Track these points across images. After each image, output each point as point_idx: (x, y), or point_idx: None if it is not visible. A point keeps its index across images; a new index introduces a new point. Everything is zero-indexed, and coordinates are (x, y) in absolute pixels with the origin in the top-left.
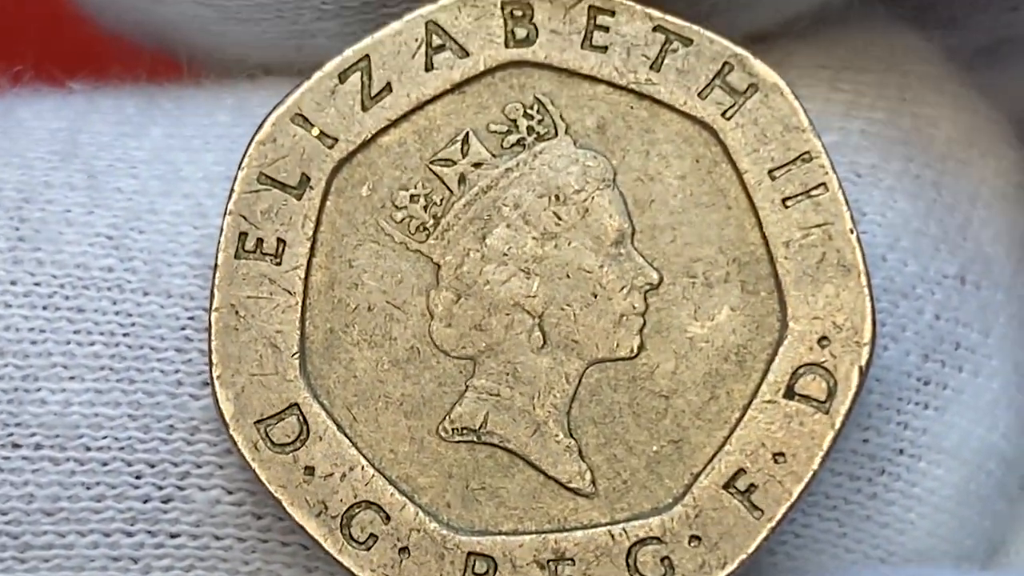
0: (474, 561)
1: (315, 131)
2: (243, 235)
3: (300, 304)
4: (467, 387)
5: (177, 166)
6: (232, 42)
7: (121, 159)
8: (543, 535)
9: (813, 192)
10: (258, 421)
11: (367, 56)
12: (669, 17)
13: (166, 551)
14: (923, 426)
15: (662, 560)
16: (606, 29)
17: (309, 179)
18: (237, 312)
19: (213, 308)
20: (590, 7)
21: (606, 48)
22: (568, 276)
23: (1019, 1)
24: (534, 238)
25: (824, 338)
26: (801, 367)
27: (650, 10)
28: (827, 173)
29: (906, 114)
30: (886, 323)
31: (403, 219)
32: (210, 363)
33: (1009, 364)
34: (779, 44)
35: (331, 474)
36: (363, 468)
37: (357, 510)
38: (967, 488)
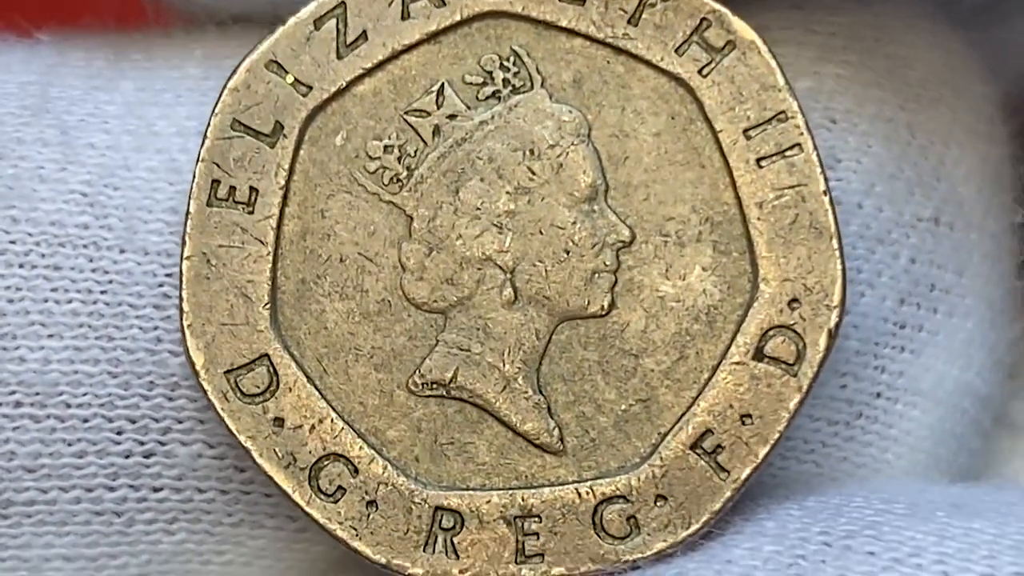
0: (441, 516)
1: (289, 78)
2: (215, 183)
3: (272, 254)
4: (437, 341)
5: (149, 121)
6: None
7: (93, 114)
8: (510, 491)
9: (788, 152)
10: (228, 371)
11: (343, 3)
12: None
13: (149, 504)
14: (900, 369)
15: (628, 519)
16: None
17: (283, 127)
18: (209, 261)
19: (184, 256)
20: None
21: (584, 1)
22: (541, 232)
23: None
24: (507, 192)
25: (795, 300)
26: (771, 329)
27: None
28: (802, 134)
29: (879, 55)
30: (863, 270)
31: (376, 170)
32: (181, 312)
33: (983, 303)
34: None
35: (300, 426)
36: (332, 420)
37: (326, 462)
38: (943, 428)
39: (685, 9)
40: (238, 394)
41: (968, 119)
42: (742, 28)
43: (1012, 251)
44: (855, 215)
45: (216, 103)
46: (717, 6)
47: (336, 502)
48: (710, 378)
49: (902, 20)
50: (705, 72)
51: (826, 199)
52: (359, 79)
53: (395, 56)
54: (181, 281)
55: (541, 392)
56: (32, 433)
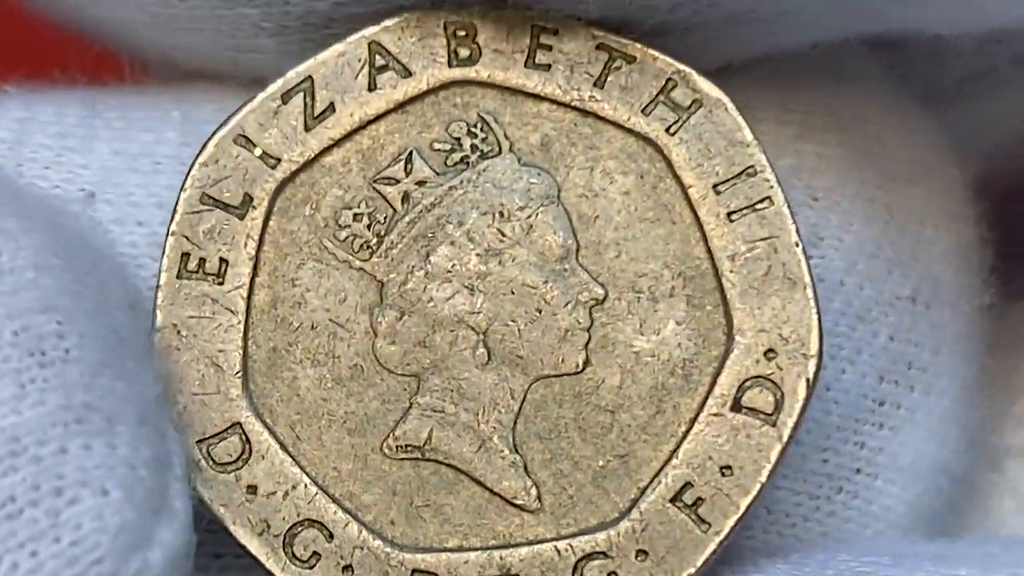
0: None
1: (258, 151)
2: (185, 255)
3: (242, 323)
4: (411, 404)
5: (128, 190)
6: (168, 47)
7: (69, 180)
8: (488, 551)
9: (758, 206)
10: (200, 440)
11: (310, 77)
12: (612, 35)
13: None
14: (879, 445)
15: (609, 574)
16: (549, 48)
17: (252, 199)
18: (180, 332)
19: (155, 328)
20: (533, 26)
21: (549, 66)
22: (512, 292)
23: (1004, 34)
24: (478, 255)
25: (771, 351)
26: (748, 380)
27: (593, 29)
28: (772, 187)
29: (858, 135)
30: (844, 347)
31: (347, 238)
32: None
33: (957, 381)
34: (731, 67)
35: (273, 492)
36: (306, 486)
37: (300, 528)
38: (920, 504)
39: (650, 70)
40: (211, 462)
41: (942, 200)
42: (708, 87)
43: (983, 331)
44: (837, 292)
45: (185, 178)
46: (682, 66)
47: (312, 568)
48: (688, 431)
49: (875, 103)
50: (672, 130)
51: (798, 249)
52: (327, 150)
53: (363, 126)
54: (154, 353)
55: (517, 451)
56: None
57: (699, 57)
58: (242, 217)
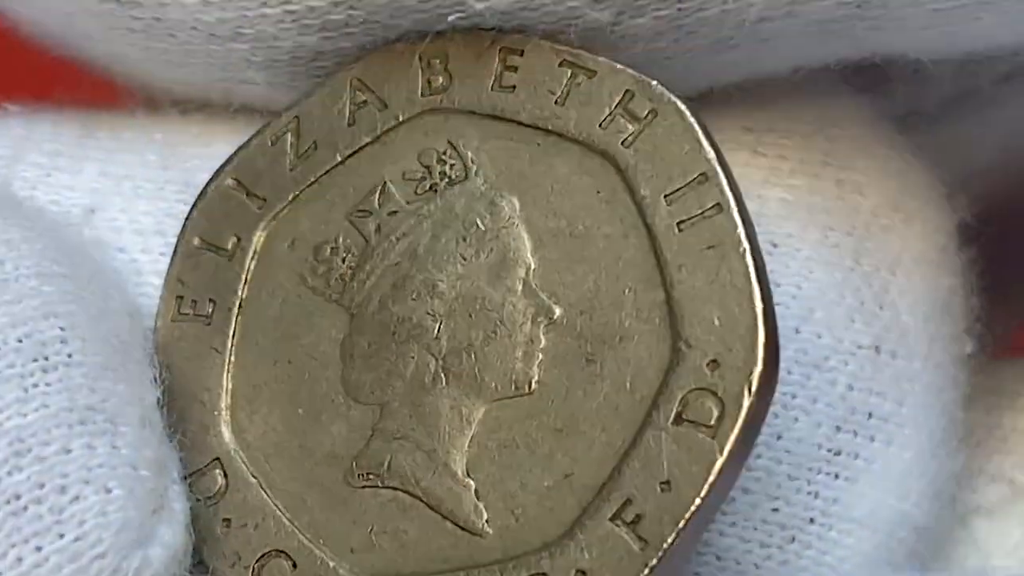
0: None
1: (247, 195)
2: (179, 298)
3: (226, 361)
4: (373, 432)
5: (111, 215)
6: (161, 78)
7: (55, 201)
8: None
9: (708, 213)
10: (185, 476)
11: (297, 117)
12: (574, 51)
13: None
14: (834, 495)
15: None
16: (515, 69)
17: (240, 240)
18: (172, 372)
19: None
20: (501, 48)
21: (515, 87)
22: (471, 314)
23: (984, 56)
24: (442, 280)
25: (714, 361)
26: (691, 392)
27: (559, 46)
28: (722, 193)
29: (829, 179)
30: (797, 395)
31: (323, 272)
32: None
33: (924, 433)
34: (707, 104)
35: (245, 524)
36: (275, 517)
37: (267, 559)
38: (878, 556)
39: (609, 83)
40: (193, 499)
41: (919, 247)
42: (665, 94)
43: (958, 382)
44: (792, 340)
45: (184, 223)
46: (642, 76)
47: None
48: (631, 446)
49: (857, 144)
50: (627, 143)
51: (747, 256)
52: (309, 187)
53: (343, 162)
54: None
55: (469, 475)
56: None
57: (680, 83)
58: (231, 258)
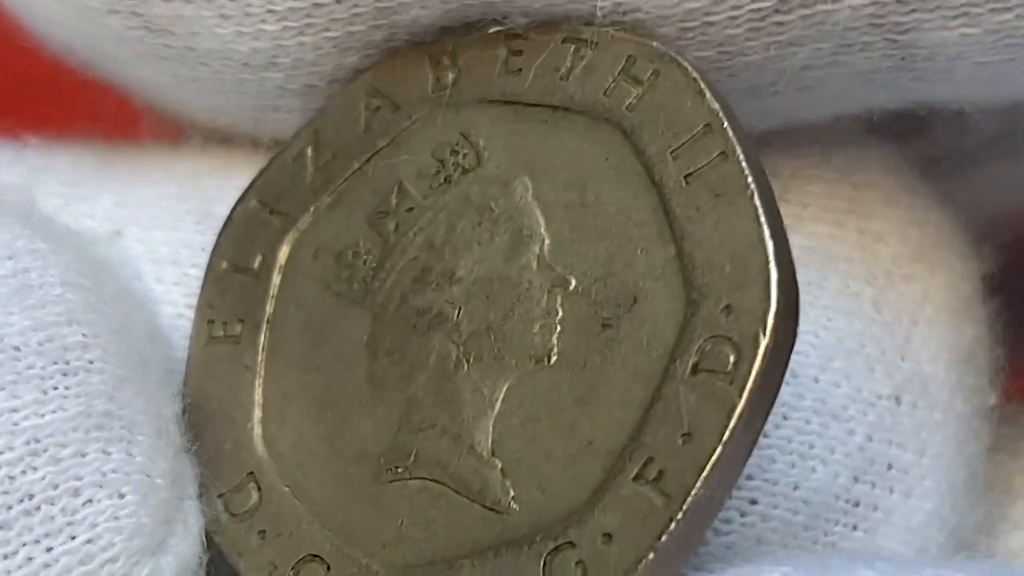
0: None
1: (272, 212)
2: (211, 322)
3: (256, 376)
4: (400, 426)
5: (127, 244)
6: (190, 106)
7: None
8: (472, 559)
9: (714, 162)
10: (220, 495)
11: (315, 131)
12: (578, 26)
13: None
14: (852, 546)
15: (576, 563)
16: (520, 52)
17: (265, 258)
18: (205, 394)
19: (185, 391)
20: (506, 35)
21: (520, 70)
22: (488, 296)
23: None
24: (460, 267)
25: (728, 307)
26: (707, 340)
27: (562, 24)
28: (727, 141)
29: (851, 228)
30: (815, 445)
31: (346, 277)
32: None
33: (944, 484)
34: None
35: (280, 534)
36: (308, 523)
37: (302, 564)
38: None
39: (611, 52)
40: (228, 515)
41: (941, 297)
42: (666, 53)
43: (981, 434)
44: (810, 389)
45: (213, 250)
46: (643, 40)
47: None
48: (651, 404)
49: (881, 192)
50: (631, 107)
51: (755, 200)
52: (331, 197)
53: (360, 168)
54: (185, 413)
55: (495, 454)
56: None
57: None
58: (257, 277)
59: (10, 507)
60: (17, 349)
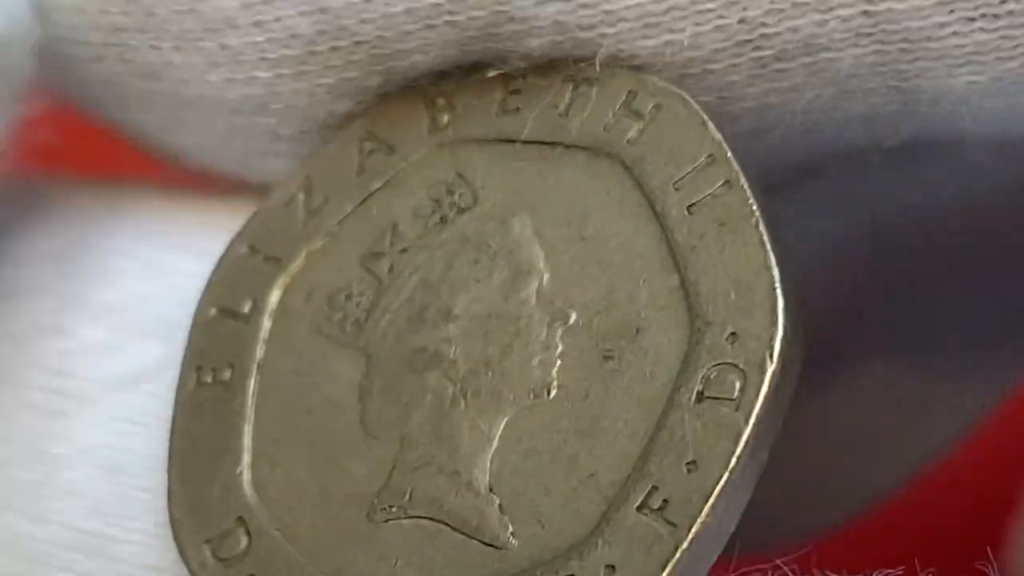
0: None
1: (263, 258)
2: (199, 369)
3: (246, 422)
4: (394, 465)
5: None
6: (176, 150)
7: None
8: None
9: (717, 191)
10: (207, 540)
11: (308, 176)
12: (577, 64)
13: None
14: None
15: None
16: (518, 92)
17: (256, 302)
18: (192, 437)
19: (171, 433)
20: (503, 75)
21: (519, 109)
22: (486, 333)
23: None
24: (457, 304)
25: (733, 334)
26: (712, 368)
27: (561, 64)
28: (732, 170)
29: None
30: None
31: (338, 320)
32: (169, 490)
33: None
34: None
35: None
36: (300, 567)
37: None
38: None
39: (611, 88)
40: (215, 560)
41: None
42: (666, 87)
43: None
44: None
45: (202, 296)
46: (643, 75)
47: None
48: (655, 434)
49: None
50: (632, 140)
51: (760, 227)
52: (321, 240)
53: (354, 211)
54: (170, 457)
55: (492, 490)
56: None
57: None
58: (248, 322)
59: None
60: None
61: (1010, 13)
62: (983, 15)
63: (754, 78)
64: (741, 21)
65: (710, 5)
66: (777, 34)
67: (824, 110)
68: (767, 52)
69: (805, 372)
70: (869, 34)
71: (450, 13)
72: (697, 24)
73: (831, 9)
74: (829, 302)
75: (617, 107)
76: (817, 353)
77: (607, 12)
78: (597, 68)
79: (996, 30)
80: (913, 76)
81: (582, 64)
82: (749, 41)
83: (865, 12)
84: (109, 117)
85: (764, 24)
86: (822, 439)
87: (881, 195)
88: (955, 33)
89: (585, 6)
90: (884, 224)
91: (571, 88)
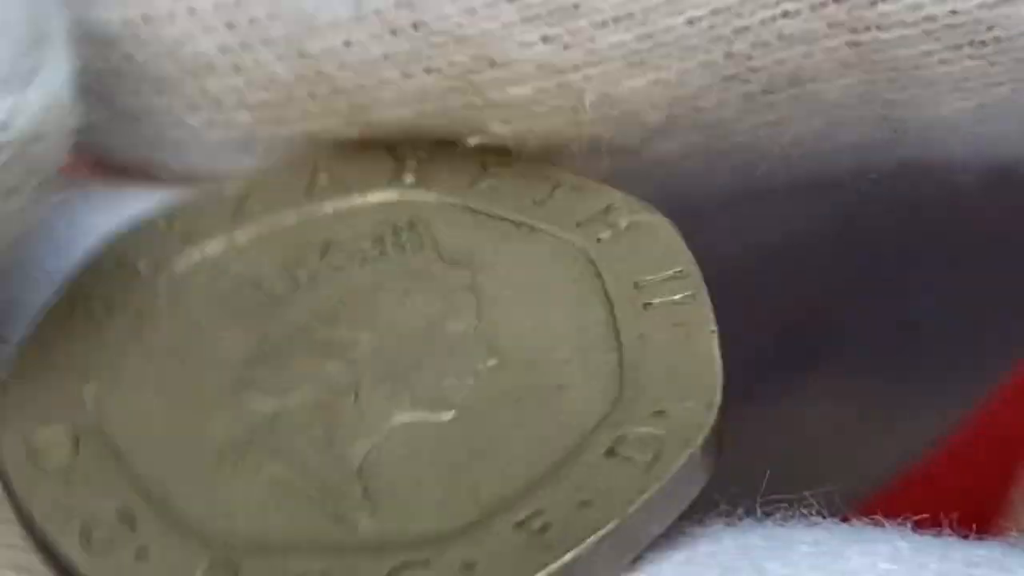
0: None
1: (179, 234)
2: (72, 297)
3: (108, 350)
4: (262, 423)
5: None
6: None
7: None
8: (306, 553)
9: (681, 299)
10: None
11: (252, 183)
12: (565, 170)
13: None
14: None
15: None
16: (495, 175)
17: (158, 265)
18: (48, 347)
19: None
20: (482, 151)
21: (494, 189)
22: (400, 347)
23: None
24: (382, 314)
25: (661, 412)
26: (631, 430)
27: (544, 163)
28: (699, 287)
29: None
30: None
31: (244, 297)
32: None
33: None
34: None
35: (92, 488)
36: (127, 489)
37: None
38: None
39: (592, 195)
40: (33, 465)
41: None
42: (648, 210)
43: None
44: None
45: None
46: (627, 195)
47: None
48: (554, 470)
49: None
50: (603, 241)
51: (714, 337)
52: (247, 238)
53: (292, 225)
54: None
55: (362, 472)
56: None
57: (701, 189)
58: (140, 278)
59: None
60: None
61: (996, 40)
62: (971, 42)
63: (743, 112)
64: (727, 56)
65: (695, 41)
66: (764, 67)
67: (813, 140)
68: (754, 86)
69: (779, 375)
70: (856, 64)
71: (429, 58)
72: (682, 61)
73: (817, 40)
74: (804, 301)
75: (594, 212)
76: (793, 354)
77: (590, 51)
78: (581, 180)
79: (983, 56)
80: (901, 105)
81: (568, 172)
82: (736, 76)
83: (851, 42)
84: (91, 153)
85: (751, 57)
86: (798, 441)
87: (864, 206)
88: (943, 61)
89: (568, 47)
90: (862, 222)
91: (552, 186)
